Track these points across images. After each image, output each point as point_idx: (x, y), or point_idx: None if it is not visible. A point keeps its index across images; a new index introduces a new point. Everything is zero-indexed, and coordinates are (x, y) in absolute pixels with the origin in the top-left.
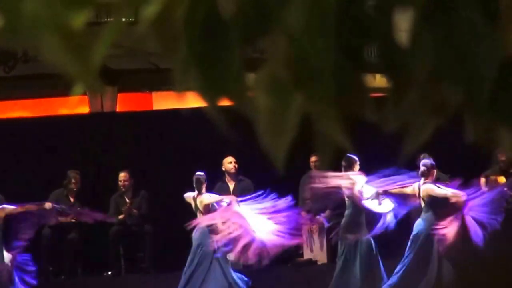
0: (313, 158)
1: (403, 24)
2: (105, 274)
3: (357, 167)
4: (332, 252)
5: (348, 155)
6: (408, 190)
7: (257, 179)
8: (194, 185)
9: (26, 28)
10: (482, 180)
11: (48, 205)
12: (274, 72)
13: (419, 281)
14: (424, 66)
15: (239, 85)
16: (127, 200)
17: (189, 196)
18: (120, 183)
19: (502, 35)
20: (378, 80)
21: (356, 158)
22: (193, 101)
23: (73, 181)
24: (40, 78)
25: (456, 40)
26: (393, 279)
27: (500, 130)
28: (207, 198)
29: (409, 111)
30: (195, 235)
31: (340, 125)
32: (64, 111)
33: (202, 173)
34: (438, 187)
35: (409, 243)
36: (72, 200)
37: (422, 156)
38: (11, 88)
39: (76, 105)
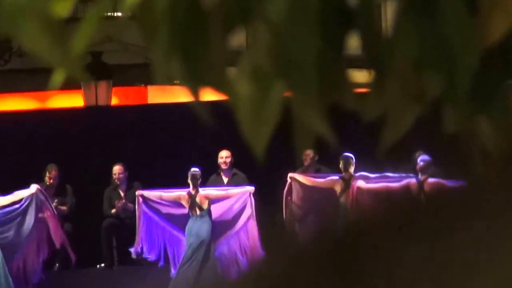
0: (306, 151)
1: (386, 12)
2: (97, 266)
3: (352, 167)
4: None
5: (345, 154)
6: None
7: (255, 173)
8: (189, 181)
9: (6, 15)
10: None
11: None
12: (255, 60)
13: None
14: (407, 55)
15: (222, 75)
16: (121, 193)
17: (182, 194)
18: (115, 176)
19: (484, 24)
20: (360, 76)
21: (352, 158)
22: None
23: (48, 175)
24: (35, 71)
25: (438, 29)
26: None
27: (480, 120)
28: (214, 191)
29: (390, 100)
30: (198, 228)
31: (321, 114)
32: (58, 104)
33: (197, 169)
34: None
35: None
36: (50, 196)
37: (417, 153)
38: (6, 81)
39: (71, 98)
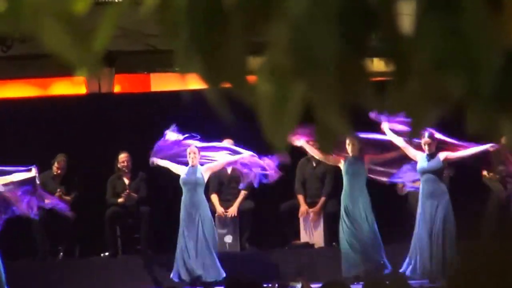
0: (309, 143)
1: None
2: (101, 255)
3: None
4: (329, 235)
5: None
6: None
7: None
8: (187, 156)
9: (27, 13)
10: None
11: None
12: (276, 60)
13: None
14: (427, 54)
15: (241, 72)
16: (126, 182)
17: (182, 168)
18: (122, 164)
19: (506, 24)
20: (378, 65)
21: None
22: (191, 83)
23: (56, 165)
24: (38, 58)
25: (460, 29)
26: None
27: (503, 120)
28: (212, 164)
29: (411, 100)
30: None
31: (341, 113)
32: (61, 91)
33: (195, 143)
34: None
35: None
36: (56, 184)
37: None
38: (8, 67)
39: (73, 85)
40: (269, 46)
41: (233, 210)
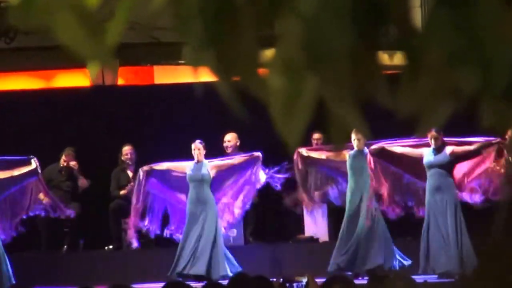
0: (315, 136)
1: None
2: (106, 248)
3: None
4: (333, 229)
5: None
6: (416, 152)
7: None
8: (193, 152)
9: (41, 6)
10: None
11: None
12: (288, 54)
13: None
14: (440, 49)
15: (252, 66)
16: (129, 174)
17: (188, 164)
18: (126, 157)
19: None
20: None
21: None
22: (199, 76)
23: (63, 158)
24: (41, 50)
25: (473, 23)
26: None
27: None
28: (220, 161)
29: (424, 95)
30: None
31: (354, 108)
32: (64, 83)
33: (200, 140)
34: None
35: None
36: (63, 178)
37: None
38: (11, 59)
39: (77, 77)
40: (281, 40)
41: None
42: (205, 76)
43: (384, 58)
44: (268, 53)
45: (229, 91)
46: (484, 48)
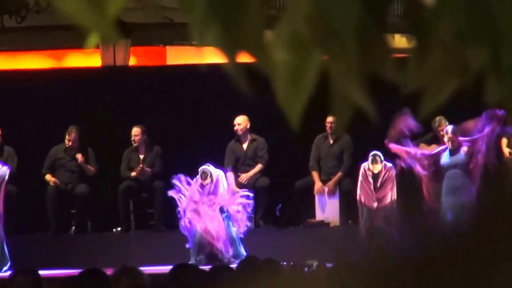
0: (329, 119)
1: None
2: (114, 230)
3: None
4: (344, 214)
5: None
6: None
7: (271, 139)
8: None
9: None
10: (504, 141)
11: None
12: (294, 28)
13: None
14: (450, 25)
15: (258, 41)
16: (140, 156)
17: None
18: (133, 138)
19: None
20: (398, 41)
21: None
22: (208, 56)
23: (67, 137)
24: (52, 29)
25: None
26: None
27: None
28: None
29: (431, 70)
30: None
31: (361, 85)
32: (75, 63)
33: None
34: None
35: None
36: (69, 157)
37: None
38: (22, 39)
39: (88, 57)
40: (288, 13)
41: (245, 177)
42: (215, 57)
43: (393, 39)
44: (274, 30)
45: (235, 68)
46: (495, 24)
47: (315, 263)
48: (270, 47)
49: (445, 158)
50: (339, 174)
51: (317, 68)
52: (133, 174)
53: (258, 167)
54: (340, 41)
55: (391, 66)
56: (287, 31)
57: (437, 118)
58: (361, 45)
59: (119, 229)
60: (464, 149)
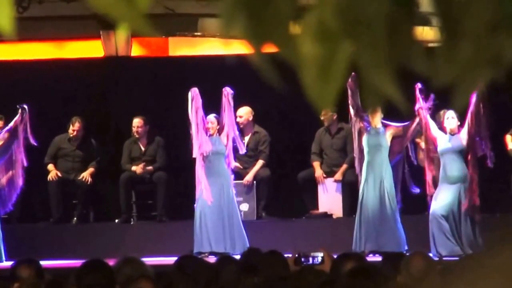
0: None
1: None
2: (115, 220)
3: None
4: (347, 205)
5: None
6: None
7: (274, 131)
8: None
9: None
10: (508, 137)
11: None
12: (322, 19)
13: None
14: (481, 16)
15: (285, 32)
16: (142, 148)
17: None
18: (134, 129)
19: None
20: (427, 33)
21: None
22: (212, 48)
23: (71, 127)
24: (54, 19)
25: None
26: None
27: None
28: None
29: (462, 63)
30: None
31: (390, 75)
32: (77, 53)
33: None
34: None
35: None
36: (73, 147)
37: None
38: (24, 28)
39: (90, 48)
40: (316, 5)
41: (249, 178)
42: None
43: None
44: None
45: (262, 59)
46: None
47: (320, 254)
48: (298, 38)
49: (445, 143)
50: (345, 166)
51: (346, 59)
52: (134, 169)
53: (259, 163)
54: (370, 32)
55: (421, 57)
56: (315, 23)
57: (441, 112)
58: (391, 36)
59: (121, 219)
60: (463, 133)
